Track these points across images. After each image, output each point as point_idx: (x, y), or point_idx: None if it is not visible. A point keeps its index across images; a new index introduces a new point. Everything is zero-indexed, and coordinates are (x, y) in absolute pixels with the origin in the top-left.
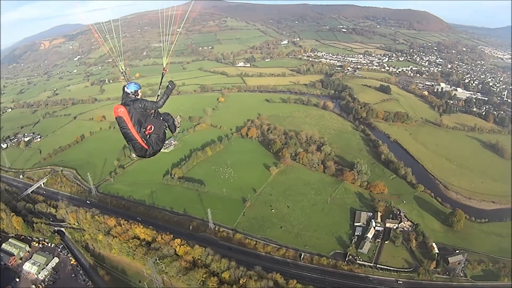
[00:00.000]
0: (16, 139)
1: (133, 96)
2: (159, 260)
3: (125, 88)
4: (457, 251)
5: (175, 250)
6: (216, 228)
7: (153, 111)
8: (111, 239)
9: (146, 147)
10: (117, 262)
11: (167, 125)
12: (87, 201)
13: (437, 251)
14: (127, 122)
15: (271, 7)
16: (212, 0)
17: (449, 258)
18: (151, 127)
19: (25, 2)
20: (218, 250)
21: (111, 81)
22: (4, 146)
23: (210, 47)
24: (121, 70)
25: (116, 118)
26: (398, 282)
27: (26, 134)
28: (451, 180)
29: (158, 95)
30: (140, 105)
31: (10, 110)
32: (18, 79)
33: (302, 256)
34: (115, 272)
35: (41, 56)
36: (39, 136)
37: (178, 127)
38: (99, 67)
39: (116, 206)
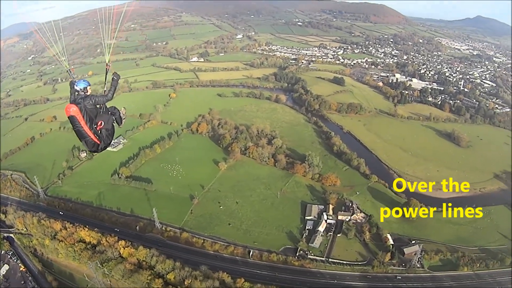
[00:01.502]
0: None
1: (83, 93)
2: (103, 263)
3: (75, 85)
4: (413, 242)
5: (120, 253)
6: (163, 228)
7: (102, 106)
8: (57, 244)
9: (98, 142)
10: (65, 267)
11: (114, 118)
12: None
13: (392, 243)
14: (79, 121)
15: (227, 1)
16: None
17: (404, 249)
18: (102, 122)
19: None
20: (165, 251)
21: (63, 80)
22: None
23: (164, 43)
24: (66, 69)
25: (68, 117)
26: (397, 277)
27: None
28: (406, 169)
29: (105, 90)
30: (91, 101)
31: None
32: None
33: (251, 253)
34: (61, 277)
35: None
36: None
37: (124, 118)
38: (53, 66)
39: (64, 209)
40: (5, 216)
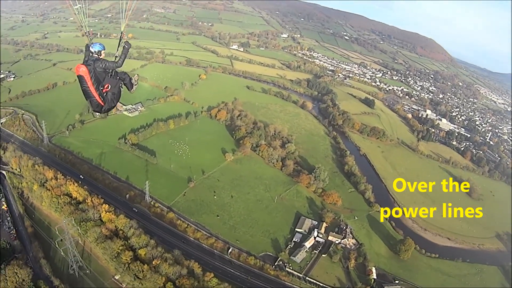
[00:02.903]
0: None
1: (96, 56)
2: (82, 222)
3: (90, 47)
4: (397, 281)
5: (100, 215)
6: (152, 203)
7: (111, 70)
8: (44, 191)
9: (103, 104)
10: (45, 216)
11: (123, 83)
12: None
13: (375, 277)
14: (87, 81)
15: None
16: None
17: (385, 287)
18: (108, 85)
19: None
20: (146, 225)
21: (102, 36)
22: None
23: (210, 24)
24: (85, 31)
25: (77, 76)
26: None
27: (1, 71)
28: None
29: (116, 56)
30: (101, 65)
31: None
32: (13, 14)
33: (229, 250)
34: (38, 225)
35: None
36: (14, 76)
37: (135, 85)
38: (96, 20)
39: (63, 160)
40: (4, 153)
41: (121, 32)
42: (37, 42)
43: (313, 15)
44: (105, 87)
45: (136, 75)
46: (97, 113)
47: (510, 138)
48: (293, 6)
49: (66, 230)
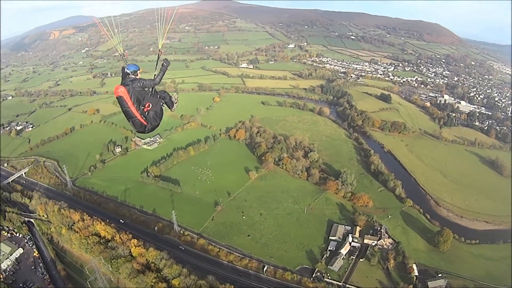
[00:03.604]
0: (8, 127)
1: (133, 76)
2: (112, 259)
3: (125, 69)
4: (440, 275)
5: (130, 251)
6: (181, 231)
7: (150, 89)
8: (72, 234)
9: (145, 123)
10: (77, 258)
11: (164, 101)
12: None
13: (417, 274)
14: (127, 101)
15: (282, 10)
16: (224, 0)
17: (428, 283)
18: (149, 104)
19: None
20: (178, 255)
21: (113, 75)
22: None
23: (216, 47)
24: (120, 53)
25: (117, 97)
26: None
27: (19, 123)
28: (444, 196)
29: (155, 74)
30: (139, 84)
31: (10, 97)
32: (24, 67)
33: (265, 268)
34: (70, 268)
35: (50, 46)
36: (31, 126)
37: (176, 103)
38: (105, 60)
39: (89, 201)
40: (30, 201)
41: (159, 50)
42: (50, 90)
43: (316, 21)
44: (146, 106)
45: (175, 93)
46: (141, 133)
47: None
48: (295, 15)
49: (96, 269)
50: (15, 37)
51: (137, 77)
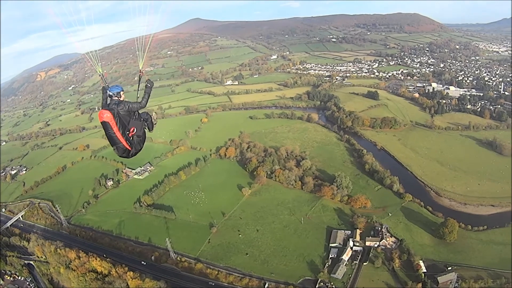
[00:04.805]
0: (4, 173)
1: (116, 98)
2: None
3: (108, 91)
4: (449, 268)
5: (127, 284)
6: (178, 258)
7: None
8: (70, 272)
9: (130, 148)
10: None
11: (146, 124)
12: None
13: (425, 270)
14: (112, 127)
15: (262, 23)
16: (203, 20)
17: (438, 278)
18: (134, 129)
19: (25, 34)
20: (177, 282)
21: (100, 109)
22: None
23: (200, 68)
24: (99, 73)
25: (101, 123)
26: None
27: (13, 167)
28: (444, 185)
29: (138, 97)
30: (125, 108)
31: (4, 143)
32: (15, 111)
33: (266, 286)
34: None
35: (38, 87)
36: (25, 169)
37: (155, 124)
38: (92, 95)
39: (85, 238)
40: (28, 243)
41: (140, 71)
42: (41, 131)
43: (296, 29)
44: (131, 130)
45: (154, 113)
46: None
47: None
48: (274, 26)
49: None
50: (4, 83)
51: (121, 99)
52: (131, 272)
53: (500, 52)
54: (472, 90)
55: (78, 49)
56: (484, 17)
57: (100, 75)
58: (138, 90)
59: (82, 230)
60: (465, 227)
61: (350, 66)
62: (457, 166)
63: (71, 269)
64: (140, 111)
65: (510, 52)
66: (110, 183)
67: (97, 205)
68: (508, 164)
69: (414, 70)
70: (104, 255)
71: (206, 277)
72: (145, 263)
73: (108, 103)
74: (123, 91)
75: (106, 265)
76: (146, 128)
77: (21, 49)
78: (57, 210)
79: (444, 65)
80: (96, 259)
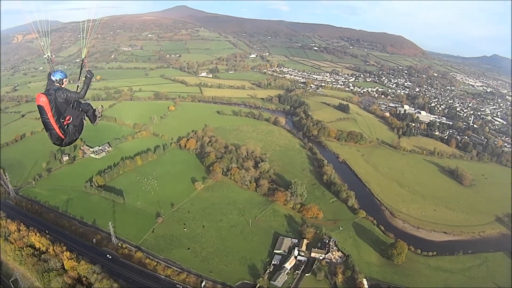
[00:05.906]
0: None
1: (58, 84)
2: (44, 272)
3: (51, 75)
4: None
5: (63, 264)
6: (119, 244)
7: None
8: (7, 245)
9: (63, 137)
10: (13, 270)
11: (86, 115)
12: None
13: None
14: (47, 112)
15: (247, 20)
16: (189, 9)
17: None
18: (70, 117)
19: None
20: (114, 268)
21: (71, 82)
22: None
23: (177, 55)
24: (46, 56)
25: (37, 106)
26: None
27: None
28: (400, 206)
29: (78, 86)
30: (62, 96)
31: None
32: None
33: (203, 284)
34: (6, 280)
35: (13, 50)
36: None
37: (99, 117)
38: (65, 66)
39: (30, 211)
40: None
41: (82, 60)
42: (7, 95)
43: (279, 32)
44: (67, 119)
45: (100, 106)
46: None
47: (493, 117)
48: (259, 26)
49: (21, 283)
50: None
51: (62, 87)
52: (68, 253)
53: (475, 86)
54: (443, 117)
55: (60, 17)
56: (466, 52)
57: (47, 58)
58: (79, 78)
59: (28, 202)
60: (414, 250)
61: (327, 76)
62: (416, 190)
63: (9, 241)
64: (82, 101)
65: (484, 88)
66: (65, 158)
67: (48, 179)
68: (466, 194)
69: (390, 90)
70: (46, 231)
71: (145, 267)
72: (110, 257)
73: (48, 88)
74: (66, 78)
75: (45, 242)
76: (87, 119)
77: (3, 8)
78: (7, 178)
79: (420, 89)
80: (35, 235)
